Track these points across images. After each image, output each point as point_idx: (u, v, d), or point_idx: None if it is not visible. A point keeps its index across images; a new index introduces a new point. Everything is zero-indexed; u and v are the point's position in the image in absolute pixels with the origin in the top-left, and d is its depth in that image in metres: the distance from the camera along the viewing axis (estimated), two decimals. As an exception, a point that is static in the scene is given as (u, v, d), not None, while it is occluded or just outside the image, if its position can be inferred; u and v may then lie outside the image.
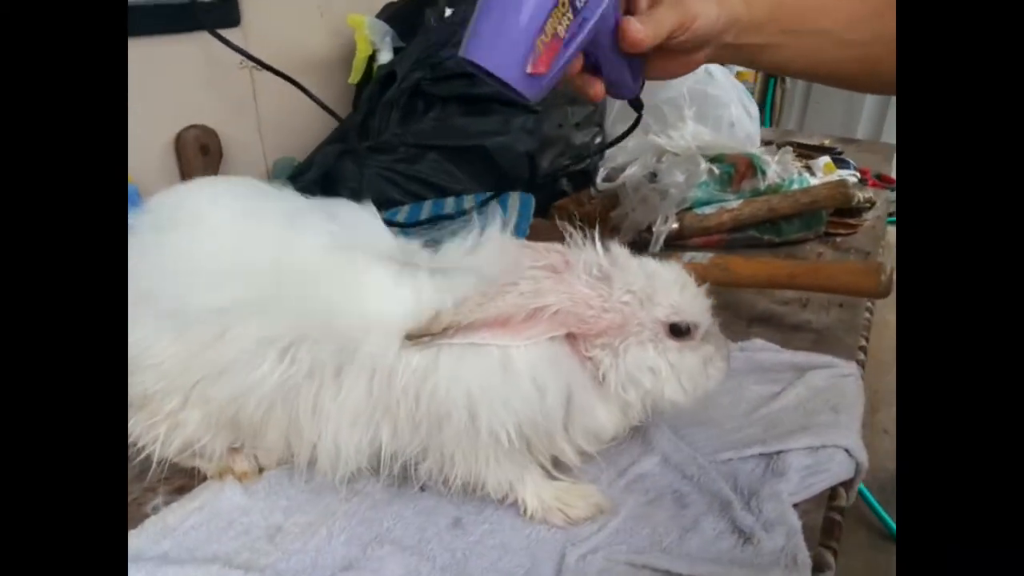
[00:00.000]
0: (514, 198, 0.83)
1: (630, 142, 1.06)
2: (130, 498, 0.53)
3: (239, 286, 0.46)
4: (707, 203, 0.98)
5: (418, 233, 0.81)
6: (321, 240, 0.48)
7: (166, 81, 0.82)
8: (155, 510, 0.51)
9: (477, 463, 0.48)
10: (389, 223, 0.79)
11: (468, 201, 0.84)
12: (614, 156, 1.07)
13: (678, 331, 0.49)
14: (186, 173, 0.84)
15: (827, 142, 1.52)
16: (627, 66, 0.56)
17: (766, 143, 1.47)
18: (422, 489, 0.52)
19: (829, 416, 0.62)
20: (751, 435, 0.60)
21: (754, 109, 1.18)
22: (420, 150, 0.89)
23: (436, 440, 0.47)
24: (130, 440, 0.52)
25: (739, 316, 0.82)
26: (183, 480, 0.54)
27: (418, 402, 0.45)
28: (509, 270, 0.45)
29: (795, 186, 0.98)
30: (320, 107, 0.88)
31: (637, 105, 0.66)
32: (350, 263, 0.47)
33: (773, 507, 0.50)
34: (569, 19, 0.47)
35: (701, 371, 0.50)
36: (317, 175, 0.82)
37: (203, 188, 0.52)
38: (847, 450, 0.58)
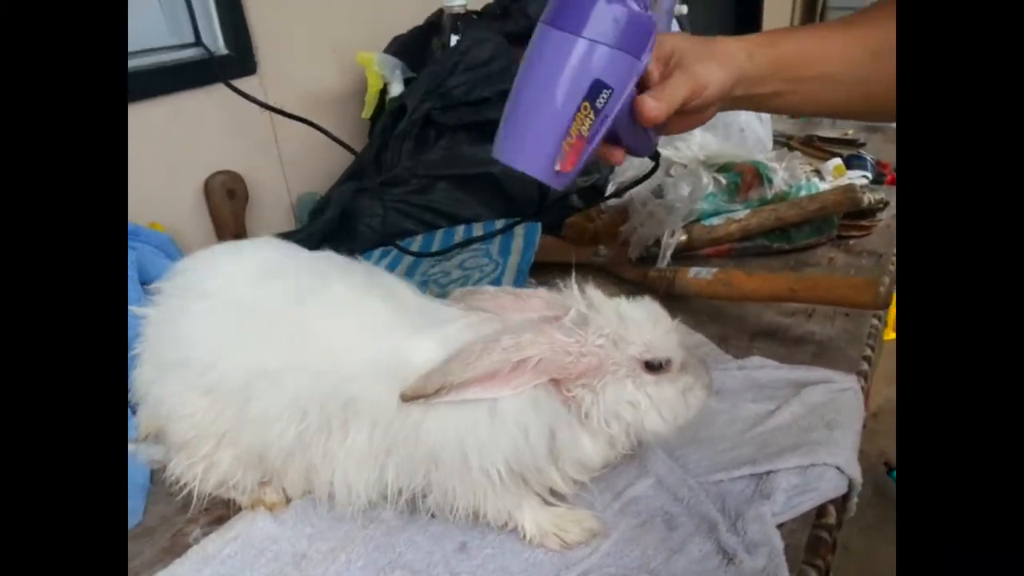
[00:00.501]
0: (519, 229, 0.87)
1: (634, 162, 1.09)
2: (174, 529, 0.59)
3: (258, 354, 0.51)
4: (714, 214, 0.99)
5: (431, 261, 0.86)
6: (332, 302, 0.53)
7: (192, 132, 0.88)
8: (196, 540, 0.57)
9: (475, 496, 0.53)
10: (405, 251, 0.85)
11: (477, 229, 0.89)
12: (623, 171, 1.09)
13: (653, 367, 0.52)
14: (216, 217, 0.91)
15: (850, 132, 1.50)
16: (644, 132, 0.60)
17: (787, 137, 1.47)
18: (432, 516, 0.57)
19: (822, 433, 0.64)
20: (743, 455, 0.62)
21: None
22: (431, 180, 0.93)
23: (435, 477, 0.52)
24: (172, 477, 0.58)
25: (742, 330, 0.84)
26: (221, 511, 0.61)
27: (415, 446, 0.50)
28: (493, 327, 0.50)
29: (803, 192, 0.99)
30: (337, 143, 0.93)
31: (654, 156, 0.69)
32: (356, 325, 0.52)
33: (757, 528, 0.53)
34: (591, 119, 0.52)
35: (680, 401, 0.54)
36: (335, 213, 0.88)
37: (224, 257, 0.58)
38: (838, 467, 0.60)
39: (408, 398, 0.48)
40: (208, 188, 0.91)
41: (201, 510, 0.60)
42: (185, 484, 0.58)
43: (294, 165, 1.00)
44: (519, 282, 0.78)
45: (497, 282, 0.78)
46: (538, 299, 0.54)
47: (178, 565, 0.55)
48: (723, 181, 1.00)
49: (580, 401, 0.52)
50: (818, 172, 1.11)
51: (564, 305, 0.53)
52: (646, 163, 1.10)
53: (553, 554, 0.54)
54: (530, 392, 0.50)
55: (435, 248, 0.87)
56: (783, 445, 0.63)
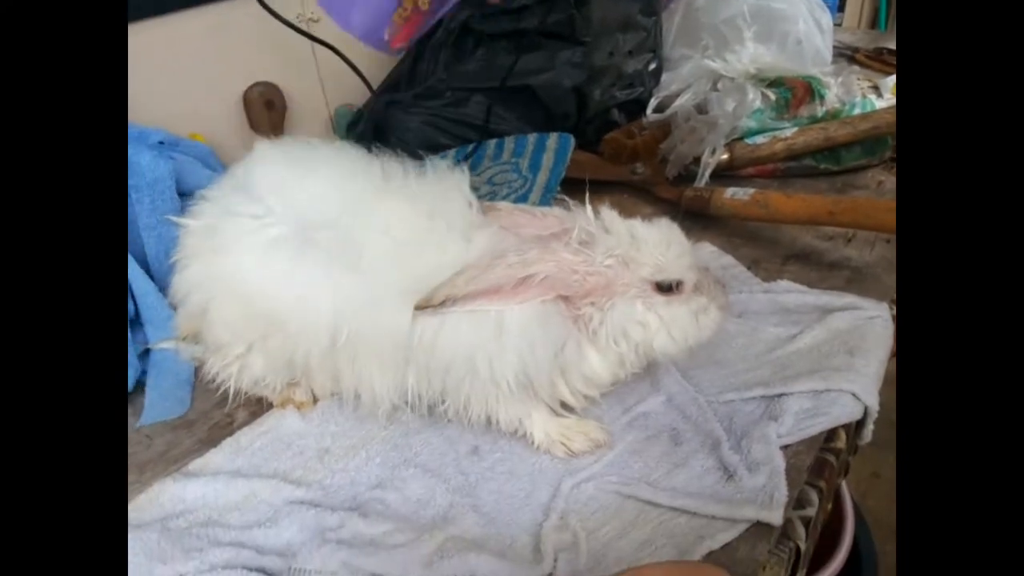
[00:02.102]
0: (552, 140, 0.85)
1: (684, 68, 1.03)
2: (212, 422, 0.64)
3: (294, 271, 0.53)
4: (760, 132, 0.95)
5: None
6: (369, 219, 0.53)
7: (231, 44, 0.88)
8: (230, 433, 0.62)
9: (488, 404, 0.55)
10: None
11: (509, 143, 0.87)
12: (668, 84, 1.04)
13: (663, 287, 0.52)
14: (255, 128, 0.93)
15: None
16: None
17: (852, 49, 1.37)
18: (449, 421, 0.60)
19: (843, 359, 0.63)
20: (757, 377, 0.62)
21: (827, 20, 1.09)
22: (466, 93, 0.92)
23: (450, 385, 0.54)
24: (209, 376, 0.63)
25: (776, 253, 0.82)
26: (255, 407, 0.65)
27: (431, 355, 0.52)
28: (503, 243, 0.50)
29: (856, 110, 0.93)
30: (354, 71, 0.91)
31: None
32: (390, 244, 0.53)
33: (760, 448, 0.54)
34: None
35: (692, 322, 0.54)
36: (368, 127, 0.88)
37: (266, 166, 0.58)
38: (854, 394, 0.59)
39: (419, 307, 0.49)
40: (247, 99, 0.92)
41: (237, 406, 0.65)
42: (221, 383, 0.62)
43: (332, 77, 1.00)
44: (546, 199, 0.77)
45: (524, 199, 0.77)
46: (553, 217, 0.54)
47: (213, 454, 0.60)
48: (772, 97, 0.95)
49: (588, 319, 0.52)
50: (876, 89, 1.03)
51: (578, 226, 0.53)
52: (690, 77, 1.06)
53: (558, 461, 0.57)
54: (538, 307, 0.50)
55: (467, 163, 0.86)
56: (800, 369, 0.62)
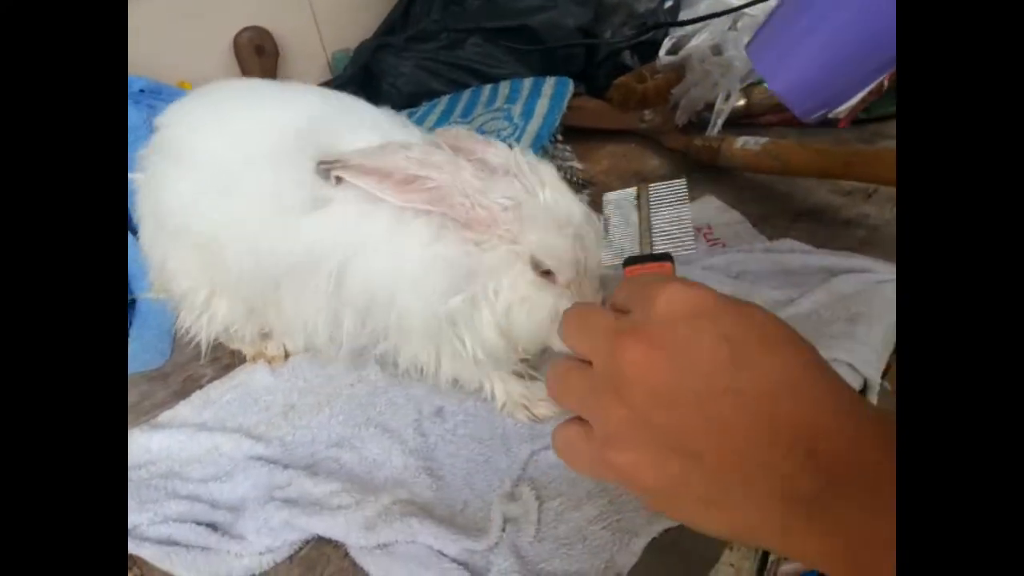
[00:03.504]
0: (548, 84, 0.80)
1: (702, 4, 0.95)
2: (186, 375, 0.64)
3: (223, 206, 0.51)
4: (781, 75, 0.87)
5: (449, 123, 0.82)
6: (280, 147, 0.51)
7: (218, -15, 0.85)
8: (202, 386, 0.62)
9: (428, 355, 0.52)
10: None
11: (503, 87, 0.83)
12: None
13: (536, 266, 0.47)
14: (245, 75, 0.90)
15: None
16: None
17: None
18: (417, 380, 0.58)
19: (841, 327, 0.58)
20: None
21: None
22: (462, 35, 0.87)
23: (378, 327, 0.51)
24: (181, 329, 0.62)
25: (786, 209, 0.76)
26: (228, 361, 0.65)
27: (347, 289, 0.50)
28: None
29: (891, 50, 0.84)
30: None
31: None
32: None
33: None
34: None
35: (545, 316, 0.48)
36: (354, 71, 0.84)
37: (189, 110, 0.56)
38: (851, 364, 0.55)
39: (319, 164, 0.46)
40: (236, 45, 0.89)
41: (210, 360, 0.65)
42: (192, 334, 0.62)
43: (330, 21, 0.96)
44: (535, 149, 0.73)
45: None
46: (495, 150, 0.50)
47: (182, 406, 0.60)
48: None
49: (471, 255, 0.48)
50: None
51: (505, 160, 0.48)
52: (714, 9, 0.97)
53: (524, 427, 0.54)
54: (435, 241, 0.47)
55: (458, 111, 0.82)
56: (793, 336, 0.58)
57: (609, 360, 0.29)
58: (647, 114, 0.91)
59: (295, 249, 0.50)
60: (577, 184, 0.79)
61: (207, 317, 0.60)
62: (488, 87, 0.84)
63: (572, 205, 0.48)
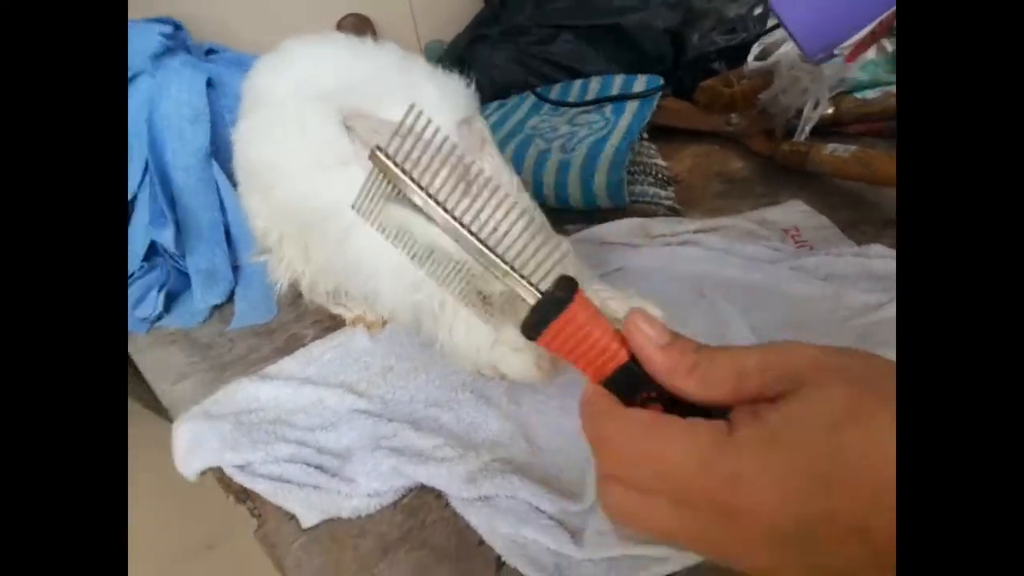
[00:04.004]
0: (640, 82, 0.82)
1: (794, 13, 0.96)
2: (289, 333, 0.69)
3: (280, 149, 0.55)
4: (872, 86, 0.88)
5: (541, 115, 0.84)
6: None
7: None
8: (304, 344, 0.66)
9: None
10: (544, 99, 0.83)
11: (594, 83, 0.85)
12: (774, 30, 0.98)
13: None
14: (348, 59, 0.95)
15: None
16: None
17: None
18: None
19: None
20: (840, 342, 0.59)
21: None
22: (554, 31, 0.90)
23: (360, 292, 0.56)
24: (270, 279, 0.66)
25: (876, 217, 0.76)
26: (329, 324, 0.69)
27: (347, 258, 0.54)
28: None
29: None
30: None
31: None
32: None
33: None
34: None
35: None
36: (453, 63, 0.88)
37: (272, 63, 0.60)
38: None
39: (344, 118, 0.47)
40: (339, 29, 0.94)
41: (312, 321, 0.69)
42: (277, 281, 0.65)
43: (425, 12, 1.00)
44: (625, 144, 0.75)
45: (604, 141, 0.75)
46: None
47: (286, 361, 0.64)
48: (888, 48, 0.87)
49: None
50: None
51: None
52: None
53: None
54: None
55: (547, 105, 0.85)
56: (883, 339, 0.58)
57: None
58: (733, 117, 0.92)
59: (318, 200, 0.54)
60: (663, 181, 0.81)
61: (283, 262, 0.64)
62: (578, 82, 0.87)
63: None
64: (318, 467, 0.52)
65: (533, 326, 0.29)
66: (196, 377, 0.65)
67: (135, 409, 0.92)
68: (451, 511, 0.49)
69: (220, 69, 0.70)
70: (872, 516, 0.24)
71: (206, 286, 0.72)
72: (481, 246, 0.31)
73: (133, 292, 0.72)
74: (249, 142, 0.59)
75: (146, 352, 0.69)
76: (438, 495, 0.50)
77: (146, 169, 0.71)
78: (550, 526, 0.46)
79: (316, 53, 0.59)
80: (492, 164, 0.51)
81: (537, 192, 0.74)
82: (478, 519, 0.47)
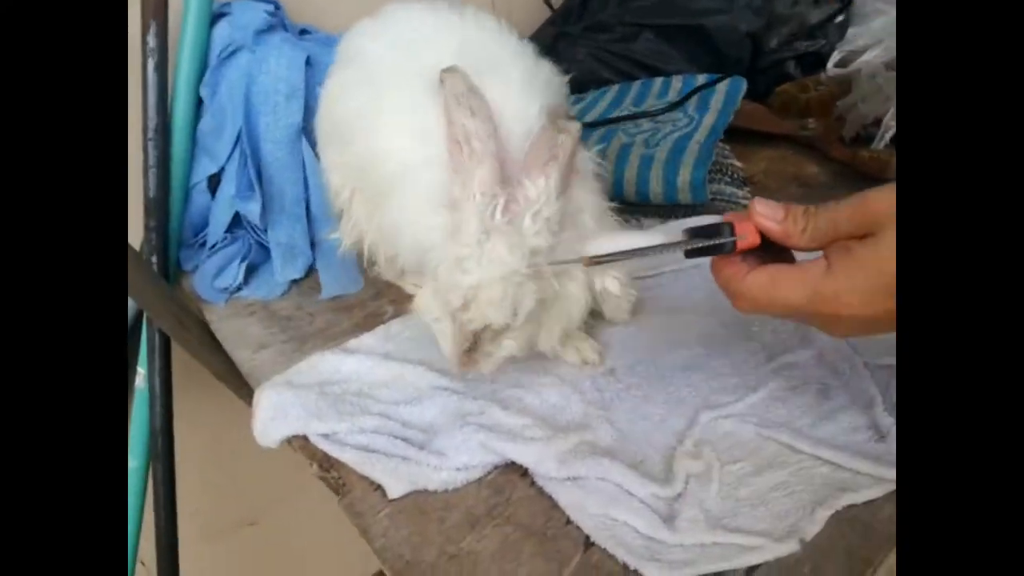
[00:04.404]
0: (723, 82, 0.82)
1: (876, 21, 0.95)
2: (367, 311, 0.69)
3: (363, 100, 0.58)
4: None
5: (621, 111, 0.84)
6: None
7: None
8: (384, 321, 0.67)
9: None
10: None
11: (676, 81, 0.85)
12: (853, 38, 0.97)
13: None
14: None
15: None
16: None
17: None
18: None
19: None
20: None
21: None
22: (636, 29, 0.90)
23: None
24: (339, 245, 0.67)
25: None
26: (407, 302, 0.70)
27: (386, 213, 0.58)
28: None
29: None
30: None
31: None
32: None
33: (921, 415, 0.51)
34: None
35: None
36: (535, 53, 0.88)
37: (364, 27, 0.62)
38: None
39: (441, 71, 0.50)
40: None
41: (391, 299, 0.70)
42: (345, 243, 0.67)
43: (507, 6, 1.01)
44: (710, 142, 0.75)
45: (689, 137, 0.75)
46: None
47: (366, 336, 0.64)
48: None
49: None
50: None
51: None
52: (882, 32, 0.97)
53: (695, 392, 0.56)
54: (436, 210, 0.52)
55: (628, 101, 0.85)
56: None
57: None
58: (810, 122, 0.92)
59: (391, 161, 0.56)
60: (738, 181, 0.81)
61: (351, 222, 0.65)
62: (659, 80, 0.87)
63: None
64: (404, 440, 0.53)
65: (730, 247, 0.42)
66: (276, 347, 0.66)
67: (199, 379, 0.93)
68: (537, 489, 0.49)
69: (316, 48, 0.71)
70: None
71: (285, 260, 0.73)
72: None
73: (214, 262, 0.74)
74: (337, 97, 0.60)
75: (225, 321, 0.71)
76: (523, 473, 0.50)
77: (237, 142, 0.72)
78: (641, 509, 0.46)
79: (416, 18, 0.60)
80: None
81: (617, 186, 0.74)
82: (567, 498, 0.47)
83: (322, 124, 0.64)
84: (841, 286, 0.38)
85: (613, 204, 0.58)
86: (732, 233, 0.41)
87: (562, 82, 0.63)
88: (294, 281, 0.74)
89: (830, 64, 0.95)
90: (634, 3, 0.90)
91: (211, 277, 0.73)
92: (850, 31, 1.00)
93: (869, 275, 0.38)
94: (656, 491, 0.47)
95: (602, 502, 0.46)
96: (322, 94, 0.62)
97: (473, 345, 0.51)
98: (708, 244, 0.42)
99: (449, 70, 0.51)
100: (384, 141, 0.56)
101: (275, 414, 0.57)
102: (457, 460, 0.50)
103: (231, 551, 1.13)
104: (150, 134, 0.69)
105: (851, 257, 0.38)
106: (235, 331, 0.69)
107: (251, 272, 0.74)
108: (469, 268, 0.48)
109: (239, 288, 0.73)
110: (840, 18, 0.98)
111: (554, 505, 0.48)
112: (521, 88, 0.55)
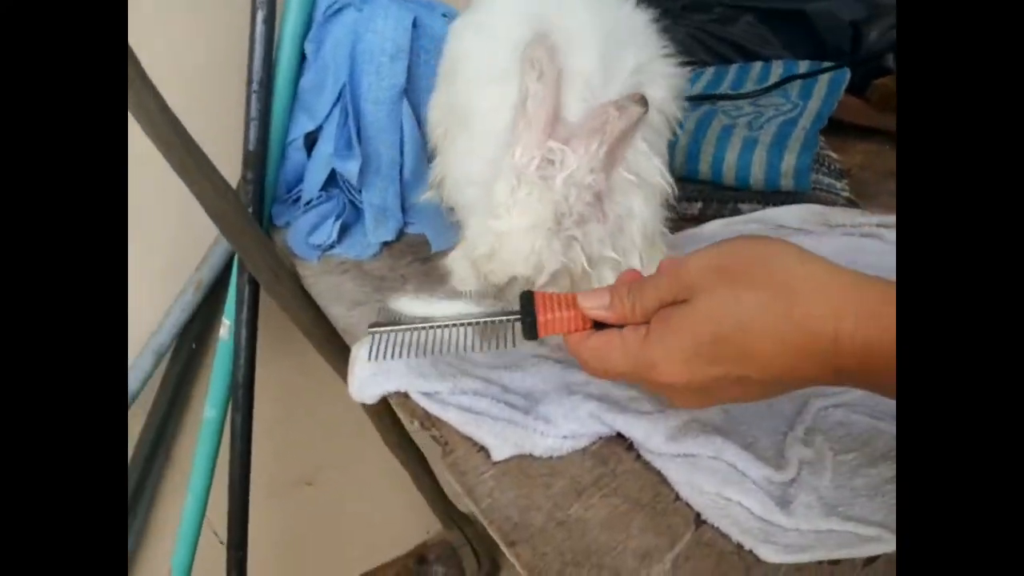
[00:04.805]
0: (824, 76, 0.80)
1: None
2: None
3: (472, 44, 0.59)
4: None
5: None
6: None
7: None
8: (478, 287, 0.67)
9: None
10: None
11: (776, 67, 0.83)
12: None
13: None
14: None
15: None
16: None
17: None
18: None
19: None
20: None
21: None
22: (736, 11, 0.88)
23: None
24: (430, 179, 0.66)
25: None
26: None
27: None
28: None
29: None
30: None
31: None
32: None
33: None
34: None
35: None
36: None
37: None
38: None
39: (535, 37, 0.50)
40: None
41: (483, 266, 0.70)
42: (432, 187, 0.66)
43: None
44: (816, 128, 0.73)
45: (794, 123, 0.73)
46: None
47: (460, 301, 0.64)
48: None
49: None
50: None
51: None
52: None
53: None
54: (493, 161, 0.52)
55: (725, 84, 0.84)
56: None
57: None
58: (909, 118, 0.89)
59: (472, 106, 0.56)
60: (836, 172, 0.79)
61: (438, 160, 0.64)
62: (758, 64, 0.85)
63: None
64: (507, 404, 0.52)
65: (529, 330, 0.44)
66: (371, 305, 0.66)
67: (281, 334, 0.94)
68: (643, 463, 0.49)
69: (423, 11, 0.71)
70: (751, 372, 0.37)
71: (378, 222, 0.73)
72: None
73: (309, 219, 0.74)
74: (460, 36, 0.61)
75: (319, 277, 0.71)
76: (628, 446, 0.50)
77: (337, 100, 0.73)
78: (754, 490, 0.45)
79: None
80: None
81: (716, 169, 0.73)
82: (677, 475, 0.47)
83: (443, 61, 0.64)
84: (656, 353, 0.39)
85: (670, 216, 0.58)
86: (532, 312, 0.43)
87: (678, 71, 0.61)
88: (385, 243, 0.75)
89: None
90: (735, -16, 0.88)
91: (305, 234, 0.73)
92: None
93: (682, 339, 0.38)
94: (770, 474, 0.46)
95: (716, 481, 0.46)
96: (449, 31, 0.62)
97: (497, 296, 0.51)
98: (503, 318, 0.44)
99: (539, 37, 0.50)
100: (481, 86, 0.57)
101: (376, 369, 0.57)
102: (565, 428, 0.49)
103: (287, 511, 1.15)
104: (255, 86, 0.70)
105: (665, 323, 0.39)
106: (329, 287, 0.70)
107: (343, 231, 0.75)
108: (500, 215, 0.49)
109: (332, 246, 0.74)
110: (947, 11, 0.94)
111: (662, 480, 0.48)
112: (614, 65, 0.54)
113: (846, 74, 0.80)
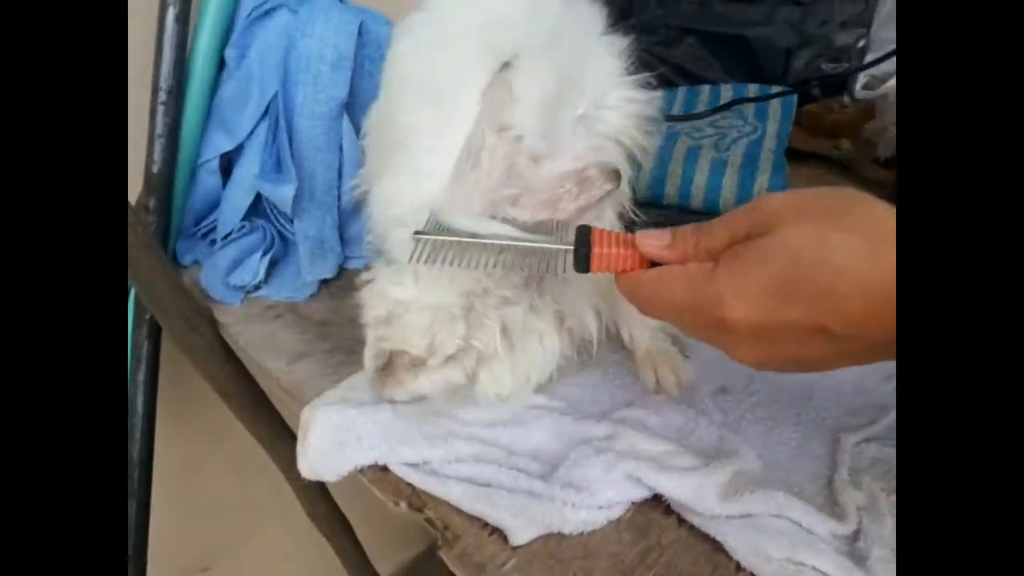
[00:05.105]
0: (775, 91, 0.79)
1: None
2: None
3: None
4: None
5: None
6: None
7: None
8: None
9: None
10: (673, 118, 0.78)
11: (726, 90, 0.81)
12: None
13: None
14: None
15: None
16: None
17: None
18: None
19: None
20: None
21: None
22: (680, 33, 0.86)
23: None
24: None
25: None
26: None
27: None
28: None
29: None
30: None
31: None
32: None
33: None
34: None
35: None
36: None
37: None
38: None
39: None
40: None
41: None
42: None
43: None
44: (780, 150, 0.71)
45: (758, 144, 0.71)
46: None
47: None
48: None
49: None
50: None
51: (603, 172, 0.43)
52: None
53: (826, 415, 0.50)
54: None
55: (676, 106, 0.81)
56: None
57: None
58: (843, 143, 0.91)
59: (405, 118, 0.49)
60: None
61: (365, 177, 0.55)
62: (707, 87, 0.83)
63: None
64: (520, 470, 0.44)
65: (583, 261, 0.39)
66: (318, 357, 0.55)
67: (182, 394, 0.79)
68: (687, 529, 0.42)
69: (368, 15, 0.61)
70: (829, 320, 0.32)
71: (314, 256, 0.62)
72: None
73: (227, 255, 0.62)
74: (401, 38, 0.52)
75: (245, 326, 0.59)
76: (666, 510, 0.43)
77: (264, 115, 0.61)
78: (827, 550, 0.40)
79: None
80: None
81: (684, 192, 0.69)
82: (737, 541, 0.40)
83: (384, 65, 0.54)
84: (725, 286, 0.35)
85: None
86: (588, 244, 0.39)
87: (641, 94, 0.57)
88: (324, 281, 0.63)
89: (857, 86, 0.95)
90: (677, 7, 0.87)
91: (223, 273, 0.61)
92: (867, 57, 1.01)
93: (758, 272, 0.34)
94: (834, 528, 0.41)
95: (783, 544, 0.39)
96: (393, 31, 0.53)
97: (387, 366, 0.44)
98: (557, 246, 0.39)
99: (506, 68, 0.44)
100: (414, 101, 0.49)
101: (339, 438, 0.46)
102: (602, 496, 0.41)
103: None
104: (162, 97, 0.57)
105: (736, 257, 0.35)
106: (261, 337, 0.57)
107: (271, 269, 0.63)
108: (405, 282, 0.43)
109: (258, 287, 0.61)
110: (863, 42, 0.98)
111: (716, 548, 0.41)
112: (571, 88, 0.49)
113: (794, 98, 0.80)
